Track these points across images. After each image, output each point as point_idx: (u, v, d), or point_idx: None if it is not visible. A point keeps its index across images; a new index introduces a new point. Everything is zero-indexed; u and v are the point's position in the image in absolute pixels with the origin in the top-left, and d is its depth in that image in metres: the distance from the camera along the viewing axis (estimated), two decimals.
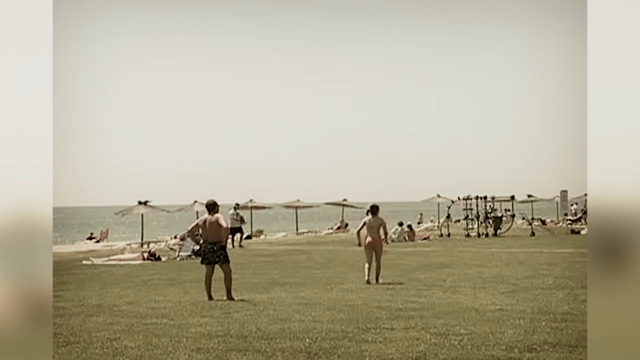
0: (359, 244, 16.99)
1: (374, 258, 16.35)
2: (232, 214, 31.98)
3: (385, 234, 16.88)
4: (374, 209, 16.64)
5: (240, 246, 31.55)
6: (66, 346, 9.01)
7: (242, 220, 32.72)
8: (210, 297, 13.37)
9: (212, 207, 13.63)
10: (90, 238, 47.01)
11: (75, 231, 72.33)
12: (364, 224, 16.69)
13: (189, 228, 14.48)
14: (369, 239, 16.54)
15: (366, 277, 16.02)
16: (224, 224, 13.40)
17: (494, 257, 22.48)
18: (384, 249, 16.79)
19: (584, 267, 17.02)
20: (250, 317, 11.10)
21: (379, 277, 16.21)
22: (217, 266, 13.55)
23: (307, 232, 49.38)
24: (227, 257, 13.50)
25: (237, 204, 34.13)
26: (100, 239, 46.10)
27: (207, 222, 13.50)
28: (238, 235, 32.04)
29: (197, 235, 14.59)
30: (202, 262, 13.71)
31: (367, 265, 16.27)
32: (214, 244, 13.42)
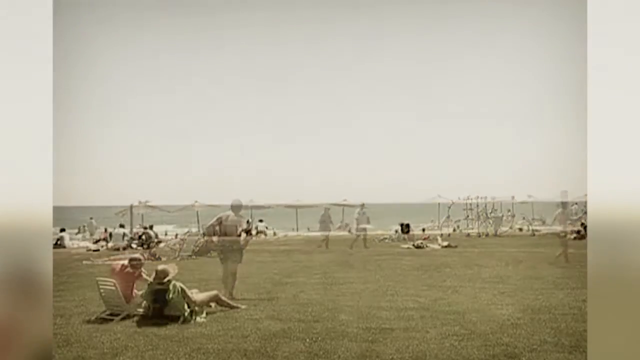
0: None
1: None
2: (359, 213, 30.40)
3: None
4: (564, 205, 20.88)
5: (365, 247, 28.85)
6: (66, 346, 9.01)
7: (368, 220, 30.47)
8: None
9: (237, 208, 13.87)
10: (133, 239, 44.20)
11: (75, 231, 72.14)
12: (555, 217, 21.07)
13: (209, 224, 14.40)
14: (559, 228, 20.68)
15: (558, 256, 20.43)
16: (243, 226, 13.64)
17: (494, 257, 22.48)
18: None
19: (584, 267, 17.02)
20: (250, 317, 11.11)
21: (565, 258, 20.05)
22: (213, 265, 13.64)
23: (307, 232, 49.34)
24: (240, 259, 13.74)
25: (363, 204, 31.03)
26: (102, 239, 46.01)
27: (227, 220, 13.67)
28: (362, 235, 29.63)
29: (214, 231, 14.61)
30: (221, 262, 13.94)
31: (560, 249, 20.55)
32: (231, 243, 13.60)
